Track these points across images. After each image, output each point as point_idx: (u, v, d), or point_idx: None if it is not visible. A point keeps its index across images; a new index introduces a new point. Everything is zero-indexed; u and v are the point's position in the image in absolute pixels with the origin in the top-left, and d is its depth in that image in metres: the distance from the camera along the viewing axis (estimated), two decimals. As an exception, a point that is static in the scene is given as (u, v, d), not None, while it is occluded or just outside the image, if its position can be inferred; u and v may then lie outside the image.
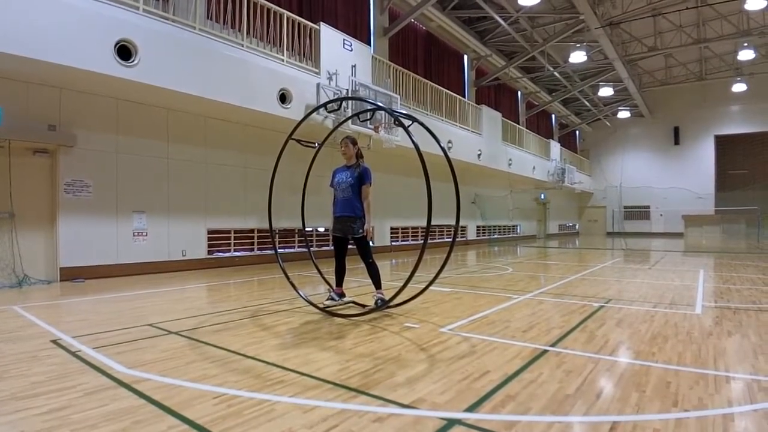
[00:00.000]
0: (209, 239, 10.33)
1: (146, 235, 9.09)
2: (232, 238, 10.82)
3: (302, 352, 3.70)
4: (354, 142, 5.46)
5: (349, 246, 5.52)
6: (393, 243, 15.64)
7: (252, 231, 11.23)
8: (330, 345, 3.94)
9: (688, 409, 2.58)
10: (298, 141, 5.91)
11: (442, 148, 5.14)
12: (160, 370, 3.22)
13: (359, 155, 5.46)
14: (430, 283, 5.06)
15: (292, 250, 12.06)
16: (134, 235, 8.93)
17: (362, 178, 5.27)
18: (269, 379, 3.06)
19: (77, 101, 8.07)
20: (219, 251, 10.54)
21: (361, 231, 5.22)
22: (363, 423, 2.41)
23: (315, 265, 6.30)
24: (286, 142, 5.81)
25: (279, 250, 11.52)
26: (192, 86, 8.20)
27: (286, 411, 2.56)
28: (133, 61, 7.35)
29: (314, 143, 6.13)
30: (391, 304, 5.03)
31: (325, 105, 6.39)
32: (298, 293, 5.74)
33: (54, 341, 4.01)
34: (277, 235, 11.74)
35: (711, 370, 3.28)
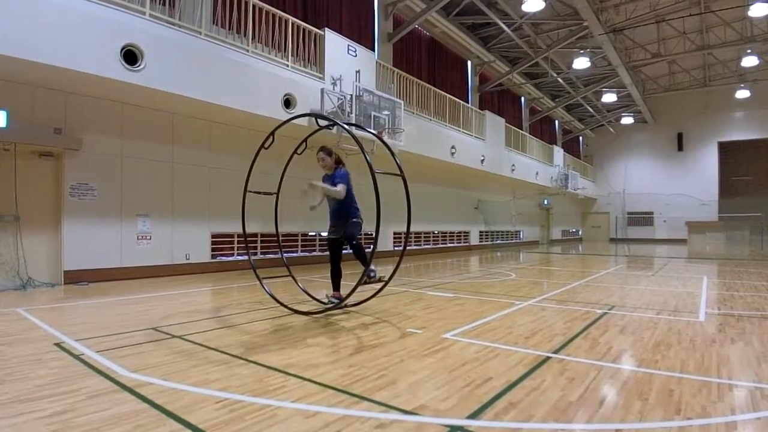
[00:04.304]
0: (213, 243, 10.35)
1: (150, 238, 9.12)
2: (236, 242, 10.84)
3: (305, 357, 3.70)
4: (329, 153, 5.59)
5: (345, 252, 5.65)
6: (396, 248, 15.64)
7: (255, 235, 11.24)
8: (332, 350, 3.94)
9: (691, 417, 2.57)
10: (257, 192, 6.19)
11: (366, 156, 5.06)
12: (163, 374, 3.23)
13: (338, 162, 5.61)
14: (386, 283, 5.30)
15: (294, 255, 12.07)
16: (138, 239, 8.96)
17: (334, 179, 5.44)
18: (271, 384, 3.07)
19: (83, 105, 8.13)
20: (222, 255, 10.56)
21: (355, 220, 5.45)
22: (365, 429, 2.41)
23: (290, 273, 6.48)
24: (245, 193, 6.26)
25: (284, 254, 11.60)
26: (197, 91, 8.25)
27: (287, 416, 2.56)
28: (139, 65, 7.41)
29: (272, 193, 6.37)
30: (348, 302, 5.35)
31: (285, 123, 6.11)
32: (273, 297, 5.81)
33: (57, 344, 4.02)
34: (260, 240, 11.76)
35: (714, 377, 3.27)
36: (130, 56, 7.34)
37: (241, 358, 3.65)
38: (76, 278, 8.03)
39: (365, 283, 5.16)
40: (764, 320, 5.28)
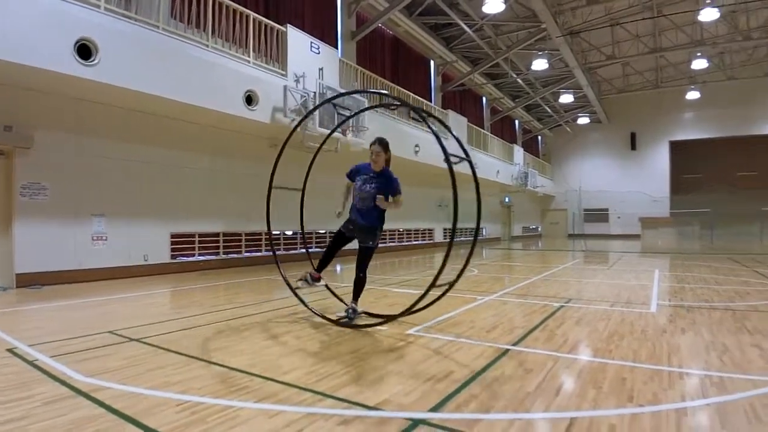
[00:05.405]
0: (173, 243, 10.09)
1: (106, 239, 8.81)
2: (197, 242, 10.60)
3: (268, 357, 3.68)
4: (387, 149, 4.96)
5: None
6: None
7: (218, 235, 11.04)
8: (297, 349, 3.94)
9: (643, 404, 2.70)
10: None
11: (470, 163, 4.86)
12: (121, 378, 3.15)
13: (388, 161, 5.01)
14: (449, 288, 4.47)
15: (259, 254, 11.92)
16: (93, 239, 8.64)
17: (393, 190, 4.90)
18: (234, 385, 3.04)
19: (35, 101, 7.77)
20: (183, 256, 10.31)
21: (371, 243, 4.99)
22: (328, 426, 2.43)
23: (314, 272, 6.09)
24: (270, 188, 5.56)
25: (247, 254, 11.47)
26: (155, 87, 8.02)
27: (250, 416, 2.55)
28: (94, 60, 7.15)
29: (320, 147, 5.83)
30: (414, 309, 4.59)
31: (331, 99, 5.85)
32: (304, 303, 5.39)
33: (10, 350, 3.85)
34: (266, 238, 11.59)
35: (665, 366, 3.43)
36: (84, 51, 7.08)
37: (202, 360, 3.60)
38: (29, 281, 7.67)
39: (343, 318, 4.94)
40: (713, 311, 5.55)
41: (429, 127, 4.59)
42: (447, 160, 4.37)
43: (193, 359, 3.62)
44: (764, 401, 2.74)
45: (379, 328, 4.66)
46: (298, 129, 10.51)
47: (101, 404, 2.70)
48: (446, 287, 4.37)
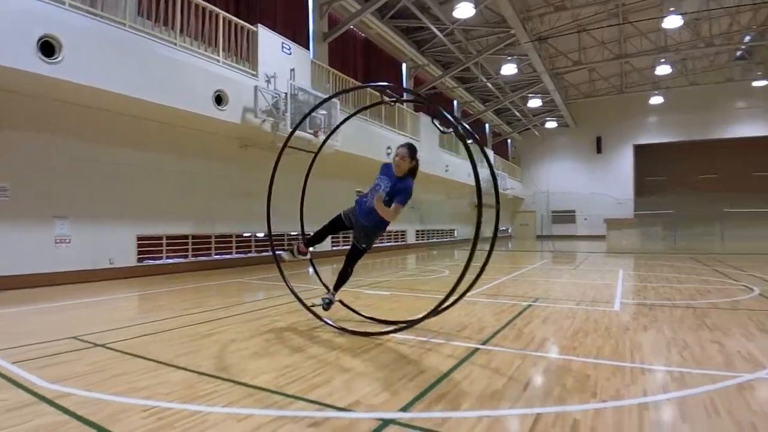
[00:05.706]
0: (139, 246, 9.86)
1: (69, 242, 8.56)
2: (164, 244, 10.39)
3: (237, 361, 3.64)
4: (413, 156, 4.66)
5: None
6: (334, 248, 15.60)
7: (186, 237, 10.84)
8: (267, 352, 3.90)
9: (605, 400, 2.78)
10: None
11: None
12: (85, 384, 3.08)
13: (413, 171, 4.73)
14: (463, 294, 4.47)
15: (229, 256, 11.77)
16: (56, 242, 8.38)
17: (398, 193, 4.52)
18: (202, 390, 3.00)
19: (-8, 99, 7.51)
20: (150, 258, 10.09)
21: (364, 246, 4.84)
22: (298, 429, 2.42)
23: (319, 280, 5.72)
24: (284, 147, 5.34)
25: (217, 257, 11.30)
26: (121, 85, 7.84)
27: (218, 421, 2.53)
28: (57, 57, 6.95)
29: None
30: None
31: (331, 97, 5.70)
32: (308, 308, 5.15)
33: (-36, 357, 3.72)
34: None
35: (628, 362, 3.53)
36: (48, 48, 6.87)
37: (169, 365, 3.53)
38: (-15, 286, 7.41)
39: (316, 306, 4.91)
40: (675, 309, 5.74)
41: (470, 155, 4.36)
42: (479, 198, 4.44)
43: (160, 364, 3.55)
44: (723, 395, 2.85)
45: (350, 328, 4.64)
46: (269, 130, 10.53)
47: (66, 411, 2.63)
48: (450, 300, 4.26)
